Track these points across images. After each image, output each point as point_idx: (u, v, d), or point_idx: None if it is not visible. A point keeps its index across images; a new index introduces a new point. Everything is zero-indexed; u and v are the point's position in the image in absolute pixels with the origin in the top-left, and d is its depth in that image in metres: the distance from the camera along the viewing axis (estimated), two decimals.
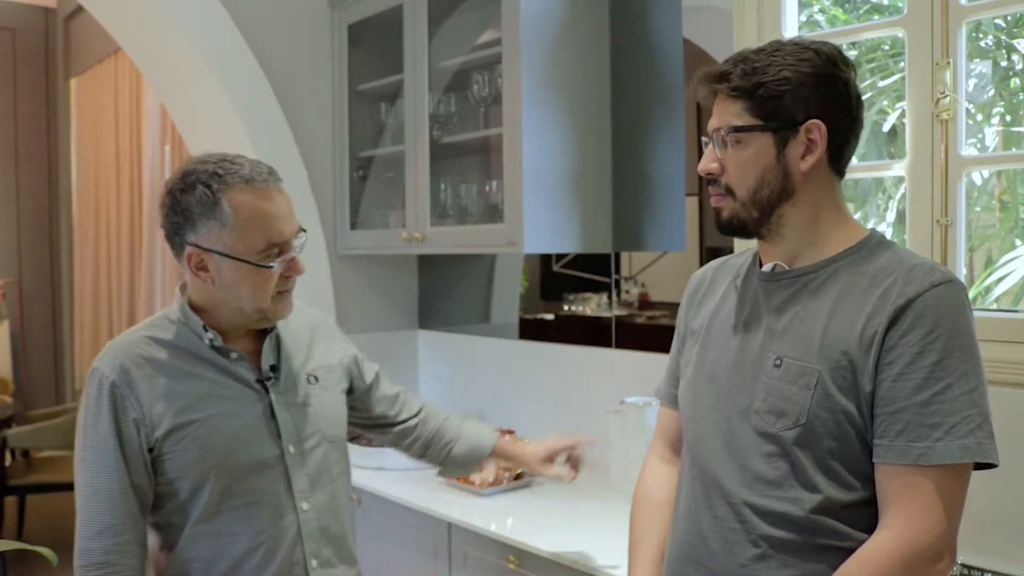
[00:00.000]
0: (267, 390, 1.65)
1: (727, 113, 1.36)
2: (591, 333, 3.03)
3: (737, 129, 1.34)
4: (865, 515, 1.28)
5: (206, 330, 1.62)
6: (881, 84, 2.42)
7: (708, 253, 3.08)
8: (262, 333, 1.69)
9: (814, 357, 1.29)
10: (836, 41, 1.68)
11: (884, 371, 1.25)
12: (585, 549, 2.07)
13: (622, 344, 2.84)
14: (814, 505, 1.28)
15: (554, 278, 3.35)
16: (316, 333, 1.81)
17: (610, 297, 3.00)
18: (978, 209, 2.36)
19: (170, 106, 3.46)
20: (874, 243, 1.36)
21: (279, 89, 3.14)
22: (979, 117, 2.28)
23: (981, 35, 2.26)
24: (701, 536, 1.39)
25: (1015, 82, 2.32)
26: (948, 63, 1.97)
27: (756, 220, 1.37)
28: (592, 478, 2.70)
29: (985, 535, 1.86)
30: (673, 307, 3.27)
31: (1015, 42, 2.30)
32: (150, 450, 1.57)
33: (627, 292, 3.15)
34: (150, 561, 1.65)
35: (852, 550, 1.26)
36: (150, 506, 1.60)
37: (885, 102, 2.42)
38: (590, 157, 2.71)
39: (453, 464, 2.02)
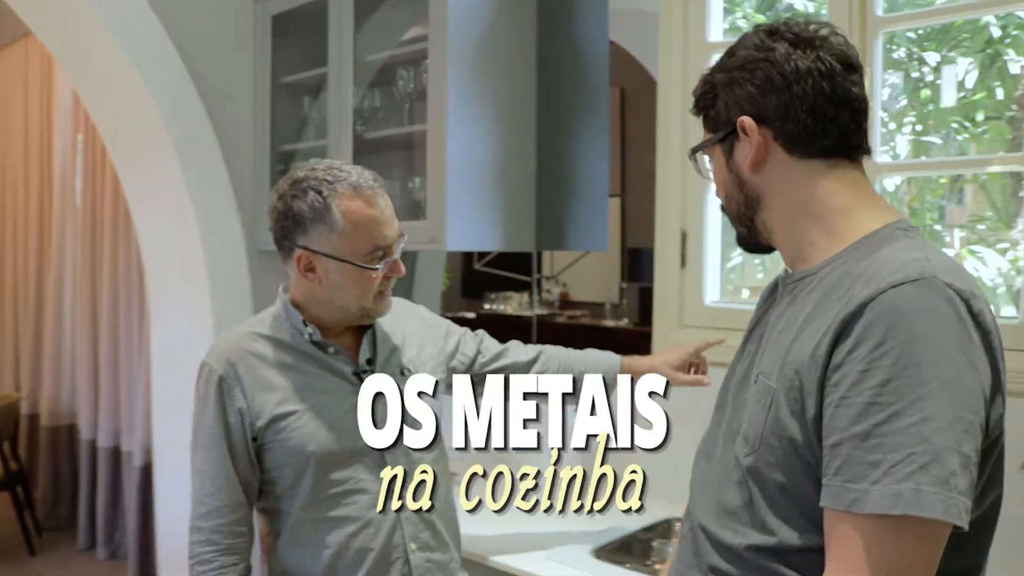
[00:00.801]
0: (362, 382, 1.68)
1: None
2: (513, 332, 3.03)
3: (692, 153, 1.28)
4: (821, 564, 1.05)
5: (306, 325, 1.71)
6: None
7: (629, 254, 3.12)
8: (359, 329, 1.78)
9: (776, 374, 1.11)
10: None
11: (829, 394, 1.02)
12: (523, 553, 2.06)
13: (544, 343, 2.84)
14: (758, 544, 1.11)
15: (476, 276, 3.35)
16: (410, 328, 1.89)
17: (531, 296, 3.01)
18: None
19: (84, 95, 3.35)
20: (880, 236, 1.12)
21: (199, 79, 3.06)
22: (892, 126, 2.35)
23: (895, 47, 2.33)
24: (678, 556, 1.28)
25: (925, 93, 2.41)
26: (865, 72, 2.02)
27: (749, 234, 1.26)
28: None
29: None
30: (593, 307, 3.30)
31: (925, 55, 2.38)
32: (254, 439, 1.68)
33: (548, 291, 3.16)
34: (261, 547, 1.77)
35: None
36: (256, 493, 1.71)
37: None
38: (514, 156, 2.71)
39: None
